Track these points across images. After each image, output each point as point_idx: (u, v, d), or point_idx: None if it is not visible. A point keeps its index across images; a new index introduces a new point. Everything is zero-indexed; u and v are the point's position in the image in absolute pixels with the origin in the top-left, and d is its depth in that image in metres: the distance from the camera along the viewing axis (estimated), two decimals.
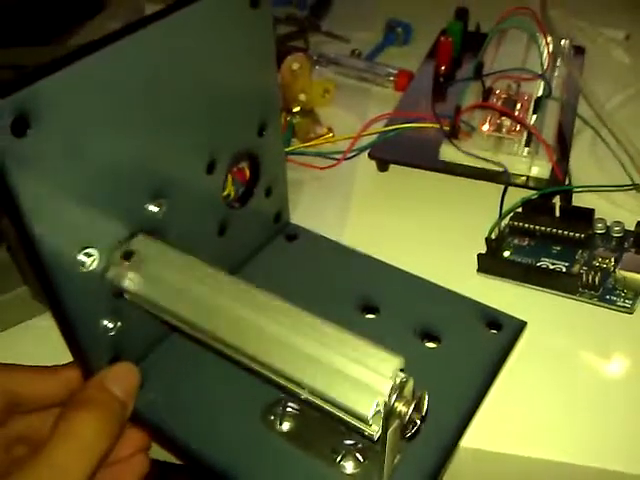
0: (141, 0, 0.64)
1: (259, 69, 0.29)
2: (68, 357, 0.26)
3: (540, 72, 0.43)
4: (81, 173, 0.22)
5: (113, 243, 0.24)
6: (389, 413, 0.20)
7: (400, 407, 0.20)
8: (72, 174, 0.21)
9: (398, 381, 0.20)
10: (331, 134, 0.43)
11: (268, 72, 0.29)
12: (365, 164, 0.41)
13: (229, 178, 0.30)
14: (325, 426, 0.25)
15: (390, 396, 0.20)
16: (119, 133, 0.23)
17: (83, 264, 0.23)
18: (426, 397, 0.21)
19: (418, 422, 0.21)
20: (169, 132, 0.25)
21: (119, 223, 0.24)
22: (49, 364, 0.26)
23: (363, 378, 0.20)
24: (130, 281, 0.24)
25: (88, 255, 0.23)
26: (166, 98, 0.24)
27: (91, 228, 0.23)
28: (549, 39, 0.46)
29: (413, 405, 0.20)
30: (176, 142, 0.25)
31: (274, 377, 0.22)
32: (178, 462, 0.30)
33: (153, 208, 0.25)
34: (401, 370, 0.21)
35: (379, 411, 0.20)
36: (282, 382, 0.22)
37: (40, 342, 0.30)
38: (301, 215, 0.36)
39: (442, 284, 0.32)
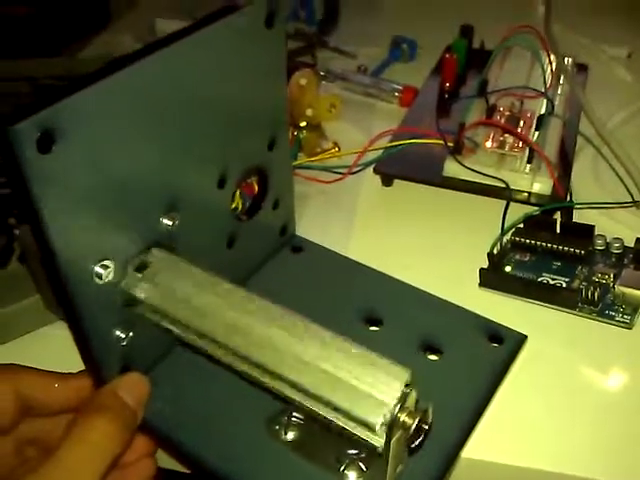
0: (145, 15, 0.65)
1: (271, 86, 0.29)
2: (77, 366, 0.27)
3: (543, 90, 0.44)
4: (101, 187, 0.23)
5: (128, 255, 0.25)
6: (393, 423, 0.21)
7: (403, 418, 0.21)
8: (92, 188, 0.22)
9: (401, 392, 0.21)
10: (337, 149, 0.44)
11: (279, 89, 0.30)
12: (370, 179, 0.42)
13: (237, 191, 0.31)
14: (329, 436, 0.26)
15: (394, 407, 0.21)
16: (137, 149, 0.24)
17: (99, 276, 0.24)
18: (430, 410, 0.21)
19: (423, 434, 0.21)
20: (184, 148, 0.26)
21: (134, 236, 0.25)
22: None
23: (371, 389, 0.21)
24: (143, 293, 0.25)
25: (104, 267, 0.24)
26: (182, 115, 0.25)
27: (108, 240, 0.24)
28: (552, 57, 0.47)
29: (418, 417, 0.21)
30: (190, 158, 0.26)
31: (282, 390, 0.23)
32: (181, 470, 0.31)
33: (167, 221, 0.26)
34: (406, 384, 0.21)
35: (384, 421, 0.21)
36: (288, 393, 0.23)
37: (50, 351, 0.31)
38: (306, 228, 0.37)
39: (445, 297, 0.32)
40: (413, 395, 0.21)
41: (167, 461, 0.29)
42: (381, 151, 0.43)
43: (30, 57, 0.55)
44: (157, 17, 0.62)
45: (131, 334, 0.26)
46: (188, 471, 0.31)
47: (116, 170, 0.23)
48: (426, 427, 0.21)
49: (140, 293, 0.25)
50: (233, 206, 0.31)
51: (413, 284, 0.33)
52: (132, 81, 0.23)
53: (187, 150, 0.26)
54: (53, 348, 0.31)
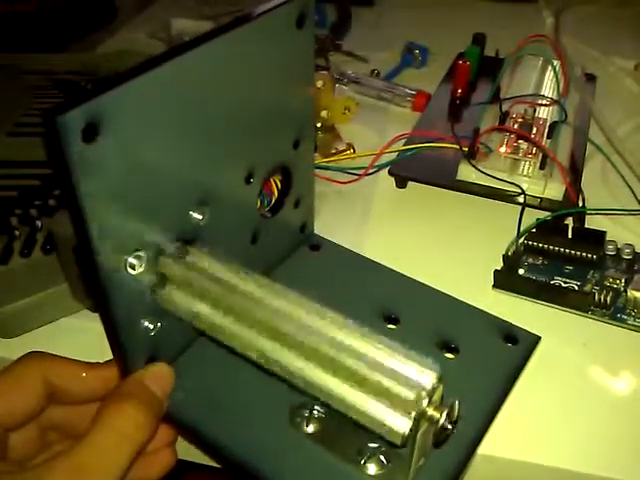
0: (159, 12, 0.66)
1: (299, 86, 0.30)
2: (100, 355, 0.27)
3: (555, 98, 0.45)
4: (137, 179, 0.23)
5: (159, 247, 0.25)
6: (420, 416, 0.21)
7: (431, 412, 0.21)
8: (129, 179, 0.23)
9: (430, 386, 0.21)
10: (351, 150, 0.45)
11: (307, 89, 0.31)
12: (384, 180, 0.43)
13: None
14: (351, 429, 0.26)
15: (422, 400, 0.21)
16: (171, 143, 0.24)
17: (133, 266, 0.24)
18: (457, 405, 0.22)
19: (450, 428, 0.22)
20: (214, 144, 0.26)
21: (166, 228, 0.25)
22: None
23: (403, 382, 0.21)
24: (175, 273, 0.25)
25: (138, 257, 0.24)
26: (214, 112, 0.26)
27: (142, 232, 0.24)
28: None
29: (446, 411, 0.21)
30: (220, 153, 0.27)
31: (309, 386, 0.23)
32: (196, 461, 0.31)
33: (197, 215, 0.26)
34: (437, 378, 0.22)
35: (414, 413, 0.21)
36: (315, 392, 0.23)
37: (74, 340, 0.32)
38: (323, 226, 0.37)
39: (459, 298, 0.33)
40: (440, 389, 0.22)
41: (185, 452, 0.30)
42: (395, 154, 0.44)
43: (37, 51, 0.56)
44: (171, 15, 0.63)
45: (159, 325, 0.27)
46: (205, 462, 0.31)
47: (151, 163, 0.24)
48: (452, 422, 0.22)
49: (172, 272, 0.25)
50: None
51: (428, 284, 0.34)
52: (169, 77, 0.23)
53: (217, 146, 0.27)
54: (76, 337, 0.32)
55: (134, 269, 0.24)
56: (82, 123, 0.20)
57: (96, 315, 0.26)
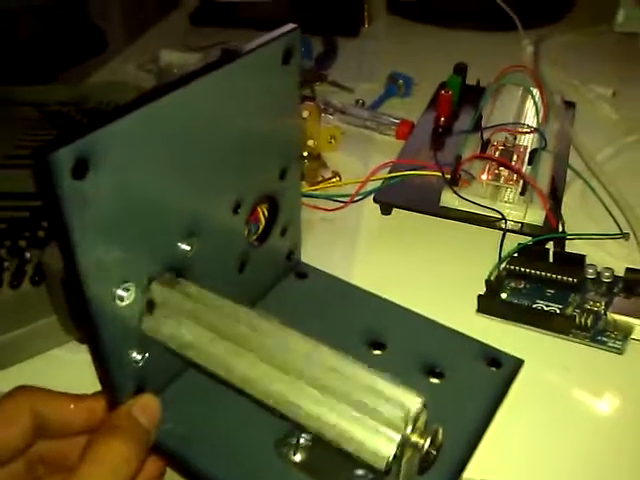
0: (148, 45, 0.67)
1: (284, 119, 0.31)
2: (90, 386, 0.27)
3: (535, 125, 0.46)
4: (127, 212, 0.24)
5: (148, 279, 0.26)
6: (405, 442, 0.22)
7: (415, 438, 0.22)
8: (119, 213, 0.23)
9: (414, 413, 0.22)
10: (338, 178, 0.46)
11: (292, 120, 0.32)
12: (370, 207, 0.44)
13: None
14: (337, 457, 0.26)
15: (406, 427, 0.22)
16: (161, 177, 0.25)
17: (122, 298, 0.25)
18: (441, 431, 0.22)
19: (434, 454, 0.22)
20: (203, 176, 0.27)
21: (155, 260, 0.26)
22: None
23: (385, 410, 0.22)
24: (159, 309, 0.26)
25: (126, 290, 0.25)
26: (203, 146, 0.27)
27: (131, 264, 0.25)
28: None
29: (430, 438, 0.22)
30: (209, 185, 0.28)
31: (293, 415, 0.24)
32: None
33: (185, 247, 0.27)
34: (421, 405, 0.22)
35: (397, 441, 0.22)
36: (301, 420, 0.24)
37: (62, 372, 0.32)
38: (310, 254, 0.38)
39: (444, 323, 0.33)
40: (424, 416, 0.22)
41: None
42: (380, 181, 0.44)
43: (27, 82, 0.57)
44: (160, 47, 0.64)
45: (147, 355, 0.27)
46: None
47: (140, 197, 0.24)
48: (436, 448, 0.22)
49: (160, 300, 0.26)
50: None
51: (413, 310, 0.34)
52: (159, 115, 0.24)
53: (206, 178, 0.27)
54: (65, 369, 0.32)
55: (122, 301, 0.25)
56: (72, 160, 0.21)
57: (85, 347, 0.26)
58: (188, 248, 0.27)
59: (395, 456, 0.22)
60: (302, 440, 0.27)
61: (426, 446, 0.22)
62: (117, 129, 0.22)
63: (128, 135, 0.23)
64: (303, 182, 0.46)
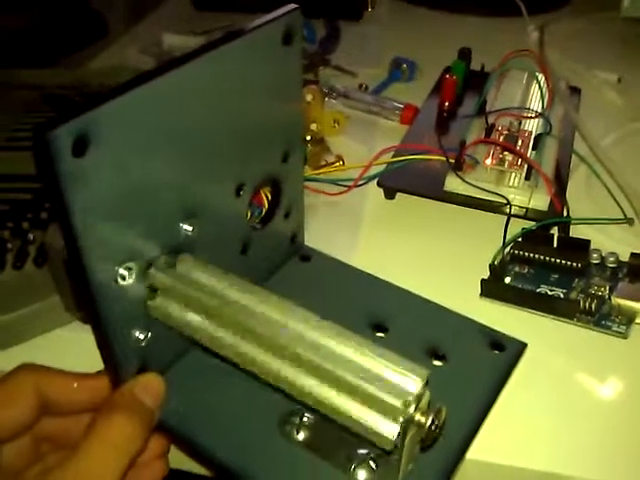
0: (150, 29, 0.67)
1: (287, 101, 0.31)
2: (92, 366, 0.27)
3: (540, 110, 0.46)
4: (127, 192, 0.24)
5: (150, 258, 0.26)
6: (408, 421, 0.22)
7: (418, 416, 0.22)
8: (119, 192, 0.23)
9: (417, 392, 0.22)
10: (341, 162, 0.46)
11: (295, 104, 0.31)
12: (374, 192, 0.43)
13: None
14: (340, 436, 0.27)
15: (410, 405, 0.22)
16: (162, 157, 0.25)
17: (123, 277, 0.25)
18: (444, 410, 0.22)
19: (437, 432, 0.22)
20: (205, 157, 0.27)
21: (156, 240, 0.26)
22: None
23: (390, 387, 0.22)
24: (165, 284, 0.26)
25: (128, 269, 0.25)
26: (203, 126, 0.26)
27: (132, 243, 0.25)
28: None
29: (432, 416, 0.22)
30: (210, 167, 0.27)
31: (298, 394, 0.24)
32: (188, 471, 0.32)
33: (187, 227, 0.27)
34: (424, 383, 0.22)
35: (402, 419, 0.22)
36: (305, 399, 0.24)
37: (65, 351, 0.32)
38: (313, 237, 0.38)
39: (447, 306, 0.33)
40: (428, 394, 0.22)
41: (177, 462, 0.30)
42: (384, 165, 0.44)
43: (28, 68, 0.56)
44: (161, 31, 0.64)
45: (149, 335, 0.27)
46: (198, 472, 0.32)
47: (141, 176, 0.24)
48: (439, 426, 0.22)
49: (163, 282, 0.26)
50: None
51: (417, 293, 0.34)
52: (159, 93, 0.24)
53: (207, 159, 0.27)
54: (68, 349, 0.32)
55: (124, 280, 0.25)
56: (72, 138, 0.21)
57: (88, 327, 0.26)
58: (190, 229, 0.27)
59: (399, 434, 0.22)
60: (305, 419, 0.27)
61: (429, 424, 0.22)
62: (117, 107, 0.22)
63: (128, 113, 0.23)
64: (306, 166, 0.46)
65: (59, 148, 0.20)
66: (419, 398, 0.22)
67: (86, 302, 0.24)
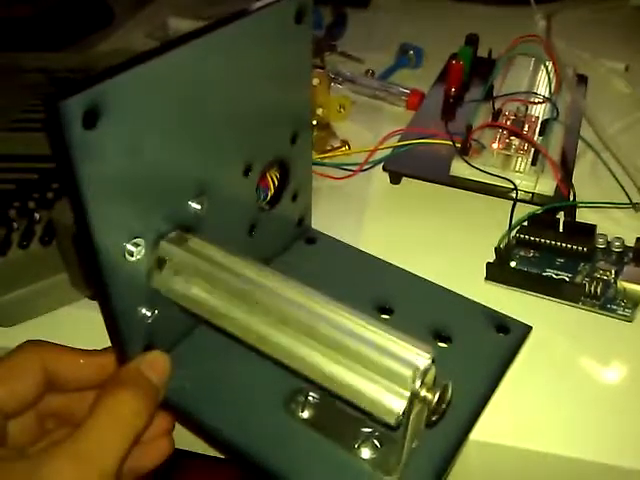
0: (156, 13, 0.66)
1: (297, 82, 0.31)
2: (98, 344, 0.28)
3: (547, 96, 0.45)
4: (136, 167, 0.24)
5: (158, 235, 0.26)
6: (414, 397, 0.22)
7: (424, 392, 0.22)
8: (129, 167, 0.23)
9: (423, 368, 0.22)
10: (347, 147, 0.46)
11: (304, 85, 0.31)
12: (379, 176, 0.43)
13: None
14: (344, 414, 0.27)
15: (415, 381, 0.22)
16: (171, 133, 0.25)
17: (131, 253, 0.25)
18: (450, 386, 0.23)
19: (443, 409, 0.22)
20: (214, 136, 0.27)
21: (164, 217, 0.26)
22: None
23: (396, 363, 0.22)
24: (173, 257, 0.26)
25: (136, 245, 0.25)
26: (213, 105, 0.26)
27: (140, 219, 0.25)
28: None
29: (439, 393, 0.22)
30: (219, 146, 0.27)
31: (305, 371, 0.24)
32: (193, 450, 0.32)
33: (195, 205, 0.27)
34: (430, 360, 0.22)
35: (407, 394, 0.22)
36: (311, 375, 0.24)
37: (72, 328, 0.32)
38: (319, 221, 0.38)
39: (453, 289, 0.33)
40: (433, 371, 0.22)
41: (182, 441, 0.30)
42: (390, 150, 0.44)
43: (32, 51, 0.56)
44: (168, 15, 0.63)
45: (156, 312, 0.27)
46: (201, 451, 0.32)
47: (150, 152, 0.24)
48: (445, 403, 0.23)
49: (170, 254, 0.26)
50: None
51: (422, 276, 0.34)
52: (169, 68, 0.24)
53: (216, 138, 0.27)
54: (75, 326, 0.32)
55: (132, 256, 0.25)
56: (83, 109, 0.21)
57: (94, 304, 0.26)
58: (198, 207, 0.27)
59: (405, 410, 0.22)
60: (310, 397, 0.27)
61: (435, 400, 0.22)
62: (129, 80, 0.22)
63: (138, 87, 0.23)
64: (312, 150, 0.46)
65: (70, 119, 0.20)
66: (425, 373, 0.22)
67: (94, 278, 0.25)
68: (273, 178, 0.34)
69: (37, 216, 0.36)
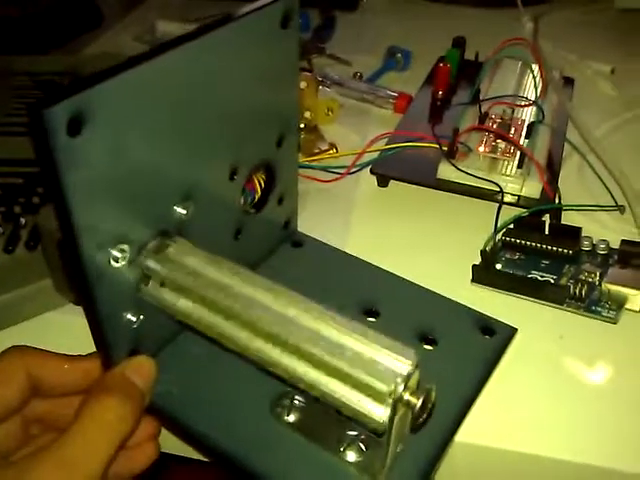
0: (144, 16, 0.66)
1: (283, 86, 0.31)
2: (83, 349, 0.27)
3: (534, 99, 0.46)
4: (122, 172, 0.24)
5: (142, 241, 0.26)
6: (397, 401, 0.22)
7: (408, 397, 0.22)
8: (114, 173, 0.23)
9: (406, 372, 0.22)
10: (334, 150, 0.46)
11: (291, 88, 0.31)
12: (366, 179, 0.44)
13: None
14: (330, 418, 0.27)
15: (399, 385, 0.22)
16: (157, 139, 0.25)
17: (116, 259, 0.25)
18: (434, 390, 0.23)
19: (426, 413, 0.22)
20: (200, 140, 0.27)
21: (150, 222, 0.26)
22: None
23: (379, 367, 0.22)
24: (157, 269, 0.26)
25: (121, 251, 0.25)
26: (199, 109, 0.26)
27: (125, 225, 0.25)
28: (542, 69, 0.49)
29: (422, 397, 0.22)
30: (205, 150, 0.27)
31: (290, 376, 0.24)
32: (179, 454, 0.32)
33: (180, 210, 0.27)
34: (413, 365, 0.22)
35: (390, 398, 0.22)
36: (296, 381, 0.24)
37: (57, 334, 0.32)
38: (306, 224, 0.38)
39: (439, 292, 0.34)
40: (416, 376, 0.23)
41: (168, 445, 0.30)
42: (377, 153, 0.44)
43: (19, 54, 0.56)
44: (156, 18, 0.63)
45: (141, 317, 0.27)
46: (187, 455, 0.32)
47: (136, 158, 0.24)
48: (429, 407, 0.23)
49: (155, 268, 0.26)
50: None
51: (408, 279, 0.34)
52: (154, 74, 0.24)
53: (202, 142, 0.27)
54: (59, 332, 0.32)
55: (117, 262, 0.25)
56: (67, 116, 0.21)
57: (79, 309, 0.26)
58: (184, 212, 0.27)
59: (389, 415, 0.22)
60: (296, 401, 0.28)
61: (418, 405, 0.22)
62: (113, 87, 0.22)
63: (123, 94, 0.23)
64: (300, 154, 0.46)
65: (54, 126, 0.20)
66: (408, 378, 0.22)
67: (78, 283, 0.24)
68: (260, 181, 0.34)
69: (23, 221, 0.36)
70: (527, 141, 0.43)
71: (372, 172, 0.43)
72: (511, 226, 0.38)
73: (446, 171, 0.41)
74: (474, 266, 0.35)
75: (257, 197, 0.34)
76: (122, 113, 0.23)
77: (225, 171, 0.29)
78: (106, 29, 0.68)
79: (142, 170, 0.25)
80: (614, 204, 0.40)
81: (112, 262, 0.25)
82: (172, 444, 0.31)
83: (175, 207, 0.27)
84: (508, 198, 0.40)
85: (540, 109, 0.45)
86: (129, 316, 0.27)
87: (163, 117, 0.25)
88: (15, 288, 0.32)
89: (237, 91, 0.28)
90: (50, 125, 0.20)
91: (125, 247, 0.25)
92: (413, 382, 0.23)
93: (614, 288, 0.33)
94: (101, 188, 0.23)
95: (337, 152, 0.46)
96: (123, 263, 0.25)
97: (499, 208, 0.37)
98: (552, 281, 0.35)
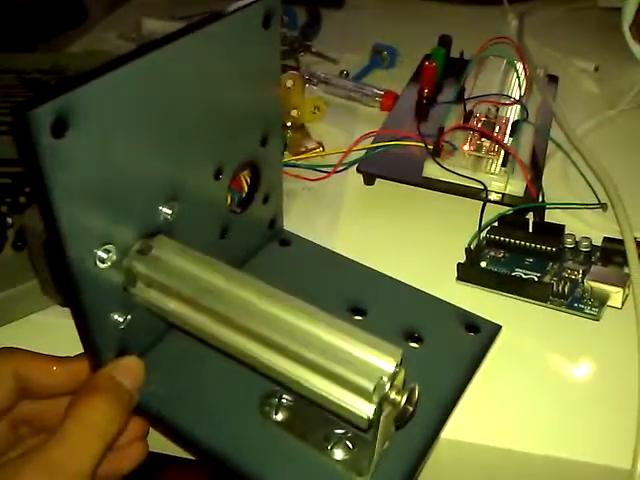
0: (129, 14, 0.66)
1: (265, 85, 0.31)
2: (71, 350, 0.27)
3: (518, 97, 0.46)
4: (107, 173, 0.24)
5: (128, 241, 0.26)
6: (383, 399, 0.22)
7: (393, 395, 0.22)
8: (99, 174, 0.23)
9: (392, 370, 0.22)
10: (321, 148, 0.46)
11: (273, 88, 0.32)
12: (353, 177, 0.44)
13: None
14: (317, 416, 0.27)
15: (384, 384, 0.22)
16: (141, 139, 0.25)
17: (102, 260, 0.25)
18: (417, 388, 0.23)
19: (410, 411, 0.23)
20: (184, 140, 0.27)
21: (136, 223, 0.26)
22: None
23: (364, 366, 0.22)
24: (144, 270, 0.26)
25: (107, 251, 0.25)
26: (183, 109, 0.26)
27: (111, 225, 0.25)
28: (526, 67, 0.50)
29: (406, 395, 0.22)
30: (189, 150, 0.28)
31: (276, 375, 0.24)
32: (168, 454, 0.32)
33: (166, 210, 0.27)
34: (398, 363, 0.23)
35: (376, 398, 0.22)
36: (282, 380, 0.24)
37: (44, 335, 0.32)
38: (293, 223, 0.38)
39: (424, 290, 0.34)
40: (402, 374, 0.23)
41: (157, 445, 0.30)
42: (364, 152, 0.45)
43: (6, 50, 0.56)
44: (141, 16, 0.63)
45: (129, 318, 0.27)
46: (176, 454, 0.32)
47: (120, 158, 0.24)
48: (413, 405, 0.23)
49: (141, 270, 0.26)
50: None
51: (394, 277, 0.35)
52: (138, 75, 0.24)
53: (186, 142, 0.27)
54: (46, 333, 0.32)
55: (103, 262, 0.25)
56: (51, 118, 0.21)
57: (66, 310, 0.26)
58: (169, 212, 0.27)
59: (375, 413, 0.23)
60: (284, 400, 0.28)
61: (403, 402, 0.22)
62: (96, 88, 0.22)
63: (107, 95, 0.23)
64: (286, 152, 0.46)
65: (38, 128, 0.20)
66: (394, 377, 0.22)
67: (65, 285, 0.25)
68: (246, 180, 0.34)
69: (9, 221, 0.36)
70: (511, 139, 0.43)
71: (358, 171, 0.43)
72: (495, 224, 0.38)
73: (431, 169, 0.42)
74: (459, 264, 0.36)
75: (243, 195, 0.34)
76: (106, 114, 0.23)
77: (210, 171, 0.29)
78: (91, 26, 0.67)
79: (127, 171, 0.25)
80: (597, 202, 0.41)
81: (98, 263, 0.25)
82: (160, 443, 0.31)
83: (160, 207, 0.27)
84: (493, 196, 0.40)
85: (524, 107, 0.46)
86: (116, 317, 0.27)
87: (147, 117, 0.25)
88: (2, 289, 0.32)
89: (221, 91, 0.28)
90: (34, 127, 0.20)
91: (111, 248, 0.25)
92: (399, 380, 0.23)
93: (596, 285, 0.33)
94: (86, 189, 0.23)
95: (324, 151, 0.46)
96: (109, 264, 0.25)
97: (483, 206, 0.38)
98: (536, 279, 0.35)
